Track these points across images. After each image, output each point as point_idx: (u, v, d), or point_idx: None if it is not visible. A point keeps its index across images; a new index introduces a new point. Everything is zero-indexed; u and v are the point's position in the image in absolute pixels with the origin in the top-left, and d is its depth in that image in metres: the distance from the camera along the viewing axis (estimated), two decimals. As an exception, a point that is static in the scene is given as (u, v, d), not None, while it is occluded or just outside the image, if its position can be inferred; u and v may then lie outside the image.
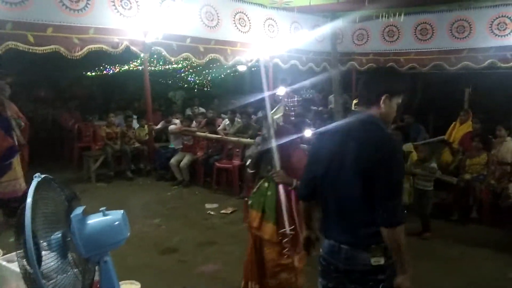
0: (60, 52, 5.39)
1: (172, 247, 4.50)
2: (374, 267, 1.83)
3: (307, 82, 9.20)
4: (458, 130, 6.45)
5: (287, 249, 2.77)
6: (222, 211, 5.63)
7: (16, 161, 4.99)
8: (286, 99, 8.37)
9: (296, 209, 2.76)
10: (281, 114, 2.83)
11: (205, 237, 4.80)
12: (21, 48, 5.03)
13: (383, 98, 1.89)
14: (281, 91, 8.34)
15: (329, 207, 1.97)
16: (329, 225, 1.98)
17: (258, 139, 2.85)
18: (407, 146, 5.00)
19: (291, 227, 2.74)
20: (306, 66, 8.37)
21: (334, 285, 1.97)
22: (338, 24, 7.90)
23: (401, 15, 7.83)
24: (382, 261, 1.82)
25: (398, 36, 8.38)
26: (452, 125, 6.70)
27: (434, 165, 4.76)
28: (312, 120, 7.39)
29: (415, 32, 8.15)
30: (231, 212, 5.58)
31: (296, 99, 8.46)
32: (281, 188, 2.73)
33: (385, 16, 8.00)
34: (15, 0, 4.84)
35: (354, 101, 8.45)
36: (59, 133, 9.06)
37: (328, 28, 7.67)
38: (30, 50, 5.14)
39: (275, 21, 7.75)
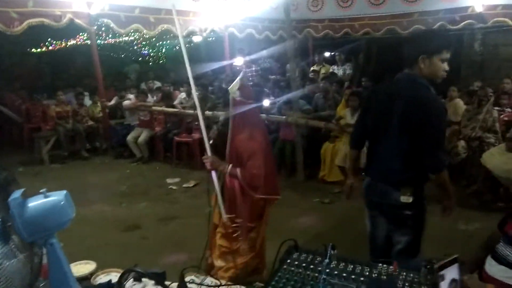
0: (-4, 28, 4.99)
1: (134, 224, 4.44)
2: (402, 204, 2.22)
3: (264, 51, 9.11)
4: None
5: (236, 234, 2.60)
6: (184, 185, 5.59)
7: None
8: (244, 69, 8.27)
9: (241, 199, 2.53)
10: (238, 87, 2.48)
11: (168, 212, 4.76)
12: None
13: (420, 59, 2.13)
14: (239, 61, 8.23)
15: (373, 154, 2.39)
16: (371, 167, 2.41)
17: (221, 117, 2.57)
18: (363, 111, 5.11)
19: (232, 215, 2.56)
20: (262, 35, 8.23)
21: (371, 214, 2.49)
22: (292, -10, 7.77)
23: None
24: (410, 199, 2.21)
25: (352, 2, 8.36)
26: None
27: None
28: (271, 89, 7.37)
29: (368, -4, 8.16)
30: (193, 186, 5.55)
31: (254, 69, 8.37)
32: (213, 174, 2.55)
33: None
34: None
35: (312, 68, 8.52)
36: (5, 115, 8.54)
37: (282, -6, 7.52)
38: (-39, 26, 4.72)
39: (228, -12, 7.51)
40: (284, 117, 5.59)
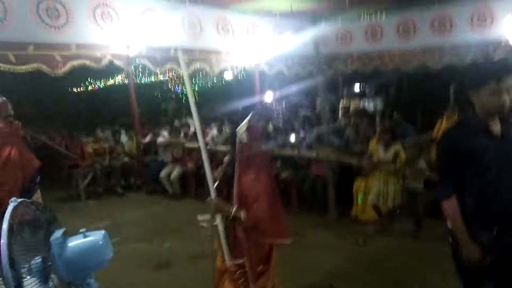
0: (42, 70, 5.34)
1: (164, 262, 4.43)
2: None
3: (294, 87, 9.21)
4: (444, 127, 6.48)
5: (241, 280, 2.52)
6: (215, 223, 5.57)
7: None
8: (274, 105, 8.38)
9: (245, 243, 2.46)
10: (245, 129, 2.42)
11: (199, 249, 4.73)
12: (2, 69, 4.96)
13: (472, 97, 2.10)
14: (269, 97, 8.35)
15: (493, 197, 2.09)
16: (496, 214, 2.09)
17: (226, 158, 2.49)
18: (396, 146, 5.01)
19: (237, 260, 2.51)
20: (292, 71, 8.37)
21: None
22: (320, 27, 7.94)
23: (382, 15, 7.89)
24: None
25: (381, 36, 8.41)
26: (438, 122, 6.72)
27: (423, 164, 4.77)
28: (301, 124, 7.39)
29: (397, 30, 8.19)
30: (223, 222, 5.52)
31: (283, 104, 8.46)
32: (218, 218, 2.52)
33: (367, 16, 8.05)
34: (-7, 19, 4.78)
35: (342, 102, 8.52)
36: (46, 152, 8.94)
37: (311, 31, 7.69)
38: (12, 70, 5.07)
39: (258, 27, 7.76)
40: (314, 153, 5.56)
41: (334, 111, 8.10)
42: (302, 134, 6.64)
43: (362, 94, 9.30)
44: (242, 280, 2.51)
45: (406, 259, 4.20)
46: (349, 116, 6.97)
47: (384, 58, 8.41)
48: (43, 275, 1.51)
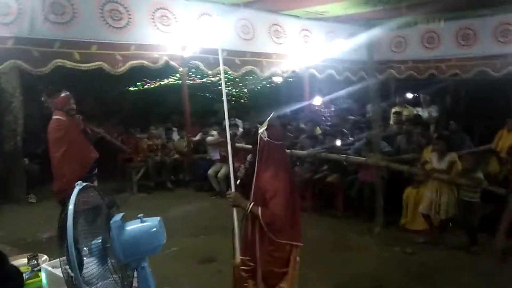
0: (103, 69, 5.66)
1: (209, 257, 4.54)
2: None
3: (343, 92, 9.09)
4: (506, 139, 6.12)
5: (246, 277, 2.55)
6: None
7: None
8: (322, 109, 8.31)
9: (260, 240, 2.49)
10: (265, 128, 2.50)
11: (242, 247, 4.81)
12: (68, 66, 5.30)
13: None
14: (317, 101, 8.31)
15: None
16: None
17: (249, 157, 2.58)
18: (451, 156, 4.80)
19: (246, 258, 2.54)
20: (343, 76, 8.27)
21: None
22: (374, 32, 7.78)
23: (441, 21, 7.60)
24: None
25: (439, 43, 8.12)
26: (499, 134, 6.37)
27: (480, 175, 4.54)
28: (349, 129, 7.28)
29: (456, 37, 7.86)
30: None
31: (332, 109, 8.37)
32: (234, 212, 2.56)
33: (423, 23, 7.80)
34: (62, 20, 5.12)
35: (394, 109, 8.29)
36: (103, 146, 9.44)
37: (364, 36, 7.56)
38: (76, 67, 5.42)
39: (310, 31, 7.74)
40: (363, 158, 5.46)
41: (385, 117, 7.90)
42: (351, 139, 6.55)
43: (416, 102, 9.00)
44: (250, 277, 2.53)
45: (458, 273, 4.02)
46: (401, 123, 6.76)
47: (441, 65, 8.12)
48: (103, 256, 1.61)
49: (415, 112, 7.98)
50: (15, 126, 6.45)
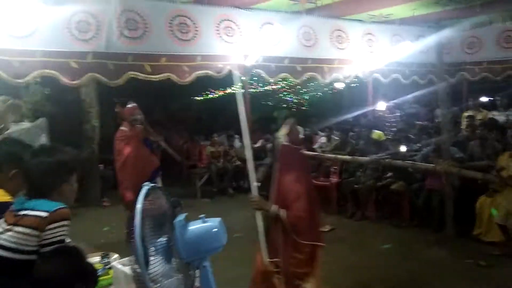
0: (171, 80, 5.98)
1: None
2: None
3: (410, 96, 8.72)
4: None
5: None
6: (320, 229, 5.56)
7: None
8: (387, 115, 8.04)
9: (284, 242, 2.48)
10: (285, 132, 2.56)
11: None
12: (140, 77, 5.67)
13: None
14: (381, 106, 8.05)
15: None
16: None
17: (267, 159, 2.62)
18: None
19: (273, 259, 2.50)
20: (409, 79, 7.95)
21: None
22: (444, 33, 7.40)
23: (518, 19, 7.05)
24: None
25: (517, 42, 7.53)
26: None
27: None
28: (417, 135, 6.96)
29: (537, 36, 7.25)
30: (329, 230, 5.48)
31: (398, 114, 8.06)
32: (258, 215, 2.53)
33: (500, 21, 7.29)
34: (136, 34, 5.51)
35: (466, 113, 7.80)
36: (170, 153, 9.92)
37: (433, 38, 7.21)
38: (147, 79, 5.78)
39: (374, 35, 7.55)
40: (431, 165, 5.19)
41: (456, 122, 7.44)
42: (418, 145, 6.26)
43: (492, 105, 8.38)
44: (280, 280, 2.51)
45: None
46: (474, 127, 6.33)
47: (520, 66, 7.51)
48: (167, 254, 1.71)
49: (490, 115, 7.43)
50: (92, 134, 6.98)
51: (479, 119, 7.18)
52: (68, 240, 1.76)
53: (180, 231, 1.64)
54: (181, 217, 1.67)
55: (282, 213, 2.45)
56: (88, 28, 5.16)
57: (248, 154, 2.62)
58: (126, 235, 1.65)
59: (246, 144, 2.66)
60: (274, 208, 2.49)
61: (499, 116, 7.36)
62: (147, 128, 4.93)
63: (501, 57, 7.71)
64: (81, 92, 6.84)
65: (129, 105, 4.96)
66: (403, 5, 6.30)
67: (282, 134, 2.59)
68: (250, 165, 2.61)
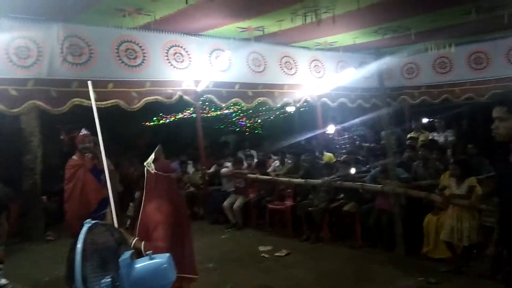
0: (119, 106, 5.81)
1: (225, 291, 4.45)
2: None
3: (357, 119, 9.09)
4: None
5: None
6: (276, 254, 5.53)
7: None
8: (336, 137, 8.28)
9: None
10: (152, 159, 2.59)
11: (260, 280, 4.71)
12: (85, 104, 5.47)
13: None
14: (331, 129, 8.30)
15: None
16: None
17: (137, 194, 2.61)
18: (470, 180, 4.68)
19: None
20: (355, 103, 8.31)
21: None
22: (385, 60, 7.84)
23: (451, 46, 7.63)
24: None
25: (451, 67, 8.13)
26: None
27: (501, 199, 4.39)
28: (365, 157, 7.21)
29: (468, 61, 7.87)
30: (285, 255, 5.46)
31: (346, 136, 8.34)
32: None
33: (434, 49, 7.84)
34: (80, 60, 5.34)
35: (409, 135, 8.22)
36: (121, 181, 9.53)
37: (375, 64, 7.62)
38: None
39: (320, 61, 7.86)
40: (380, 186, 5.37)
41: (400, 143, 7.81)
42: (366, 167, 6.47)
43: (431, 127, 8.91)
44: None
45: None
46: (416, 149, 6.67)
47: (455, 90, 8.11)
48: (112, 294, 1.60)
49: (430, 137, 7.88)
50: (33, 165, 6.60)
51: (422, 140, 7.58)
52: (4, 282, 1.61)
53: (126, 270, 1.54)
54: (126, 255, 1.58)
55: (140, 245, 2.37)
56: (28, 54, 4.94)
57: (110, 192, 2.60)
58: (66, 275, 1.53)
59: (107, 178, 2.66)
60: (133, 241, 2.42)
61: (439, 137, 7.83)
62: (97, 157, 4.73)
63: (437, 82, 8.28)
64: (21, 120, 6.46)
65: (80, 133, 4.77)
66: (345, 33, 6.63)
67: (150, 162, 2.57)
68: (111, 198, 2.56)
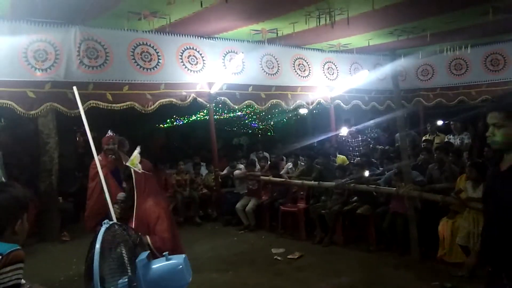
0: (134, 108, 5.88)
1: (238, 293, 4.45)
2: None
3: (371, 122, 9.02)
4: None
5: None
6: (288, 256, 5.51)
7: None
8: (350, 140, 8.23)
9: None
10: (138, 162, 2.74)
11: (272, 283, 4.70)
12: (101, 106, 5.56)
13: None
14: (344, 131, 8.25)
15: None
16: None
17: (120, 195, 2.80)
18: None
19: None
20: (369, 106, 8.26)
21: None
22: (400, 61, 7.78)
23: (467, 48, 7.54)
24: None
25: (467, 69, 8.03)
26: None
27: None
28: (379, 159, 7.14)
29: (485, 63, 7.76)
30: (298, 257, 5.44)
31: (360, 139, 8.28)
32: None
33: (450, 50, 7.75)
34: (96, 63, 5.44)
35: (424, 137, 8.13)
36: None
37: (389, 66, 7.57)
38: (109, 107, 5.66)
39: (334, 63, 7.84)
40: (394, 189, 5.31)
41: (415, 146, 7.72)
42: (380, 169, 6.41)
43: (446, 129, 8.79)
44: None
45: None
46: (432, 151, 6.59)
47: (471, 91, 8.00)
48: (129, 295, 1.61)
49: (446, 139, 7.77)
50: (50, 166, 6.71)
51: (437, 143, 7.48)
52: (23, 282, 1.64)
53: (142, 271, 1.56)
54: (143, 255, 1.60)
55: (148, 239, 2.53)
56: (46, 57, 5.05)
57: (106, 195, 2.76)
58: (85, 275, 1.56)
59: (103, 186, 2.88)
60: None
61: (454, 140, 7.71)
62: (120, 159, 4.82)
63: (453, 84, 8.18)
64: (39, 122, 6.59)
65: (107, 135, 4.86)
66: (359, 35, 6.60)
67: (135, 163, 2.72)
68: (108, 200, 2.73)
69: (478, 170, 4.65)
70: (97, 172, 4.80)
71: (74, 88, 3.06)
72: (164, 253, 1.63)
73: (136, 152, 2.81)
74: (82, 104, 5.28)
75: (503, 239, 1.85)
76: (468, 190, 4.66)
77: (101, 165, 4.84)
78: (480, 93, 7.83)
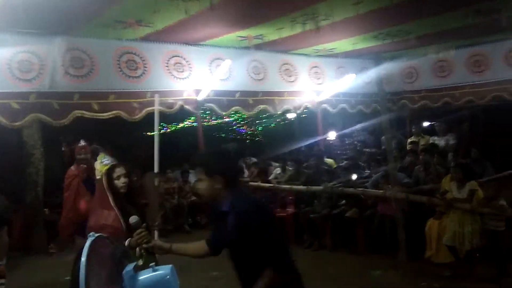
0: (121, 117, 5.84)
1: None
2: None
3: (357, 125, 9.10)
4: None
5: None
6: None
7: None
8: (337, 143, 8.29)
9: None
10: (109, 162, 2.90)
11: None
12: (86, 116, 5.51)
13: None
14: (332, 135, 8.31)
15: None
16: None
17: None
18: (471, 184, 4.68)
19: None
20: (355, 109, 8.32)
21: None
22: (384, 65, 7.87)
23: (451, 50, 7.66)
24: None
25: (450, 71, 8.15)
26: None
27: (503, 202, 4.39)
28: (366, 162, 7.21)
29: (468, 64, 7.88)
30: (288, 263, 5.44)
31: (347, 142, 8.36)
32: None
33: (433, 52, 7.86)
34: (81, 73, 5.39)
35: (410, 139, 8.23)
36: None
37: (374, 70, 7.65)
38: (95, 117, 5.62)
39: (320, 68, 7.89)
40: (381, 191, 5.37)
41: (401, 148, 7.81)
42: (367, 172, 6.47)
43: (431, 130, 8.92)
44: None
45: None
46: (417, 153, 6.68)
47: (455, 93, 8.11)
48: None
49: (431, 141, 7.88)
50: (36, 178, 6.62)
51: (422, 145, 7.58)
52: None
53: (130, 283, 1.55)
54: (129, 267, 1.59)
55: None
56: (30, 68, 4.99)
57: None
58: (70, 286, 1.55)
59: None
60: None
61: (439, 141, 7.82)
62: (93, 168, 4.81)
63: (437, 85, 8.29)
64: (24, 133, 6.50)
65: (79, 144, 4.89)
66: (344, 40, 6.67)
67: (103, 170, 2.86)
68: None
69: (462, 171, 4.73)
70: (70, 183, 4.87)
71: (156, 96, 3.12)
72: (151, 265, 1.62)
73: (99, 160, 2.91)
74: (67, 115, 5.29)
75: None
76: (453, 191, 4.74)
77: (73, 175, 4.90)
78: (464, 94, 7.93)
